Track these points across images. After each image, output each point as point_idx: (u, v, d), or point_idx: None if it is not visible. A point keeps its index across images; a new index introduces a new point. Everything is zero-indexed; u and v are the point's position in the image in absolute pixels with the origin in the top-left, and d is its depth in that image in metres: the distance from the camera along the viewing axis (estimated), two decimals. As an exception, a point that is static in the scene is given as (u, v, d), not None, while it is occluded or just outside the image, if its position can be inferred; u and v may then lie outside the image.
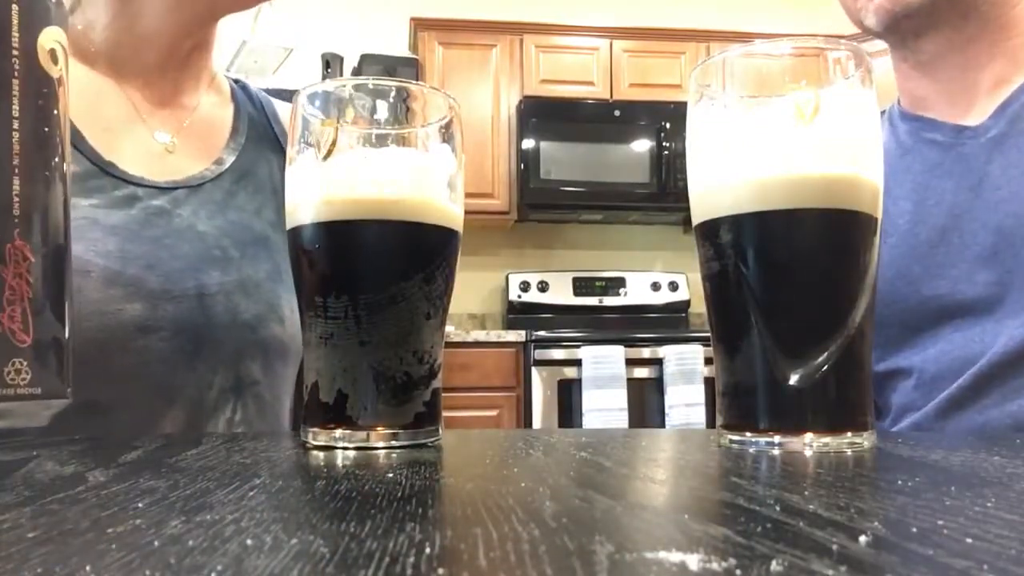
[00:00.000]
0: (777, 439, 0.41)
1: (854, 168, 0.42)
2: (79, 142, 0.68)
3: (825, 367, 0.42)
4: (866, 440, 0.42)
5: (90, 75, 0.74)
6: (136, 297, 0.65)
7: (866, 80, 0.44)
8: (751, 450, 0.42)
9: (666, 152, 3.40)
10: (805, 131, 0.42)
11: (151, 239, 0.68)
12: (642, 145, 3.44)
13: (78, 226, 0.64)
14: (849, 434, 0.42)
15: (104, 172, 0.69)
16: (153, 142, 0.75)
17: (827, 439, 0.41)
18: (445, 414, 0.48)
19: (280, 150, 0.84)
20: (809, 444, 0.41)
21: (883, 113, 0.86)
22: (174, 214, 0.71)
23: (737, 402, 0.44)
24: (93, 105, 0.72)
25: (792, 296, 0.43)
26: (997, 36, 0.75)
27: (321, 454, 0.41)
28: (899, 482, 0.31)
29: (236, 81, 0.87)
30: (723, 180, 0.44)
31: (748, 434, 0.43)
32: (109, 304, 0.63)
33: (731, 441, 0.44)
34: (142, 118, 0.75)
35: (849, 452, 0.40)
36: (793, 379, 0.42)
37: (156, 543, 0.21)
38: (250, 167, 0.80)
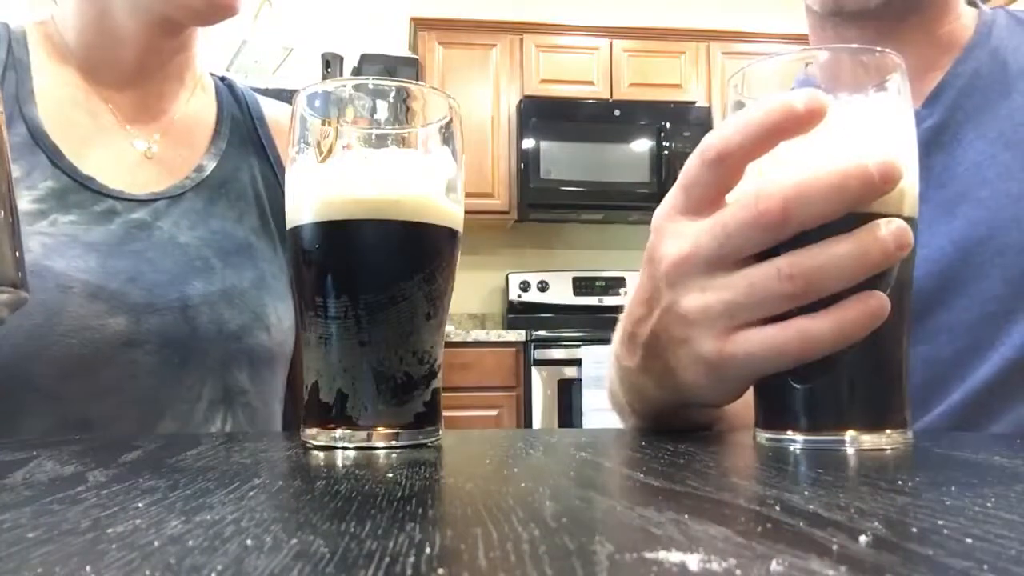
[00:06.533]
0: (813, 437, 0.41)
1: None
2: (57, 159, 0.68)
3: (856, 364, 0.41)
4: (903, 438, 0.41)
5: (68, 79, 0.73)
6: (119, 311, 0.64)
7: (901, 88, 0.44)
8: (791, 448, 0.41)
9: (666, 152, 3.40)
10: (842, 139, 0.41)
11: (132, 253, 0.67)
12: (642, 145, 3.44)
13: (58, 243, 0.64)
14: (888, 431, 0.41)
15: (83, 187, 0.68)
16: (132, 150, 0.73)
17: (866, 437, 0.40)
18: (445, 414, 0.48)
19: (264, 154, 0.82)
20: (847, 442, 0.40)
21: None
22: (154, 227, 0.70)
23: (767, 401, 0.44)
24: (70, 115, 0.71)
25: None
26: (930, 27, 0.69)
27: (321, 454, 0.41)
28: (899, 482, 0.31)
29: (223, 79, 0.85)
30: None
31: (789, 432, 0.42)
32: (92, 319, 0.63)
33: (767, 440, 0.43)
34: (121, 124, 0.74)
35: (888, 451, 0.40)
36: (824, 376, 0.41)
37: (156, 543, 0.21)
38: (231, 173, 0.78)
